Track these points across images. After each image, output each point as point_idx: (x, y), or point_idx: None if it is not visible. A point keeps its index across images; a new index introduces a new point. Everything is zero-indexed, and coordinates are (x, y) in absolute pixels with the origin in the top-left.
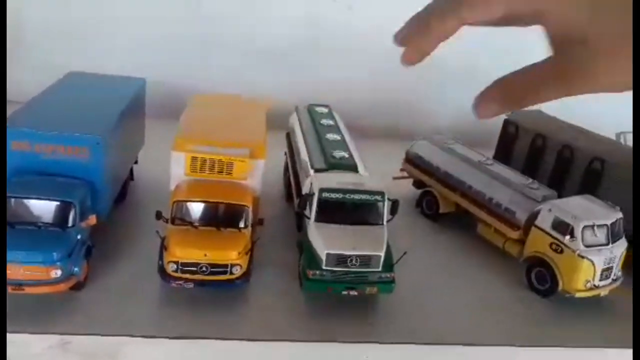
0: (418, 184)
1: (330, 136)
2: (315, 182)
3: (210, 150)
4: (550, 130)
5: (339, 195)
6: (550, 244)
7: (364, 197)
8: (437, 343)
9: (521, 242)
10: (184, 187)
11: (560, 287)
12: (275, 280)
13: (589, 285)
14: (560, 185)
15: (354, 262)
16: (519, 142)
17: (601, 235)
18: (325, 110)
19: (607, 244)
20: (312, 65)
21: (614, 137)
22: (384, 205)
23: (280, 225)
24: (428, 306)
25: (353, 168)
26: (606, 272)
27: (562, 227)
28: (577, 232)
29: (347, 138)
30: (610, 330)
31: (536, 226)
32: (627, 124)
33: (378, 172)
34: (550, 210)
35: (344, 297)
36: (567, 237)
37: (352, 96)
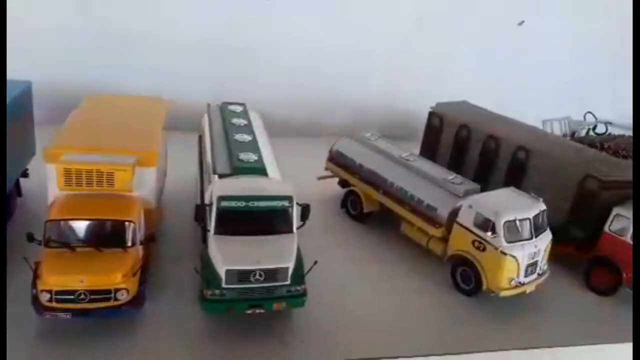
0: (343, 183)
1: (240, 137)
2: (214, 189)
3: (86, 159)
4: (475, 121)
5: (241, 204)
6: (473, 242)
7: (269, 203)
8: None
9: (445, 240)
10: (58, 204)
11: (484, 287)
12: (177, 303)
13: (513, 282)
14: (486, 176)
15: (257, 277)
16: (445, 134)
17: (524, 230)
18: (239, 108)
19: (531, 238)
20: (234, 65)
21: (540, 126)
22: (292, 211)
23: (189, 240)
24: (346, 318)
25: (261, 172)
26: (531, 267)
27: (484, 223)
28: (499, 228)
29: (261, 139)
30: (537, 330)
31: (458, 223)
32: (553, 112)
33: (304, 173)
34: (471, 206)
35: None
36: (489, 233)
37: (279, 94)
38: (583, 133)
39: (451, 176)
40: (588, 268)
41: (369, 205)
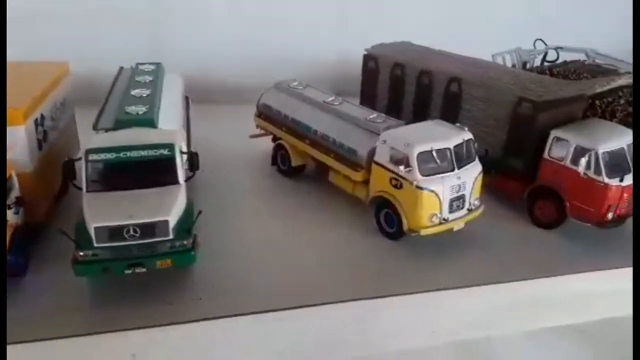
0: (274, 138)
1: (137, 92)
2: (85, 143)
3: None
4: (409, 58)
5: (111, 155)
6: (390, 180)
7: (144, 152)
8: (267, 310)
9: (367, 183)
10: None
11: (405, 226)
12: (62, 272)
13: (435, 219)
14: (425, 113)
15: (132, 233)
16: (381, 76)
17: (443, 161)
18: (151, 67)
19: (453, 170)
20: (174, 29)
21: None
22: (176, 160)
23: None
24: (262, 272)
25: (149, 123)
26: (457, 202)
27: (398, 157)
28: (412, 161)
29: (168, 95)
30: (474, 267)
31: (375, 162)
32: (503, 45)
33: (242, 135)
34: (385, 141)
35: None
36: (402, 167)
37: (222, 60)
38: (537, 62)
39: (372, 115)
40: (530, 200)
41: (297, 158)
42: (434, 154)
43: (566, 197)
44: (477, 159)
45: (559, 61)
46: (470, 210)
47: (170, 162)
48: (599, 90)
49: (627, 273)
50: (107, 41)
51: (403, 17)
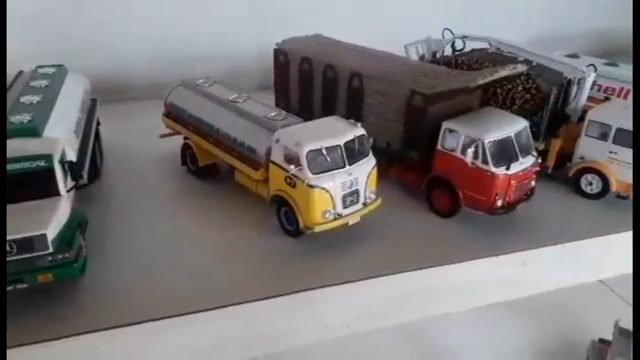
0: (185, 137)
1: (27, 99)
2: None
3: None
4: (316, 53)
5: None
6: (285, 179)
7: (21, 165)
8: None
9: (268, 181)
10: None
11: (301, 224)
12: None
13: (328, 215)
14: (332, 109)
15: (9, 249)
16: (291, 70)
17: (334, 158)
18: (51, 71)
19: (344, 166)
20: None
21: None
22: (53, 171)
23: None
24: (155, 278)
25: (31, 132)
26: (350, 197)
27: (290, 156)
28: (302, 159)
29: (64, 100)
30: (367, 259)
31: (272, 161)
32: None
33: (153, 134)
34: (278, 140)
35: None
36: (292, 166)
37: (134, 57)
38: (447, 52)
39: (273, 112)
40: (427, 190)
41: (204, 158)
42: (324, 151)
43: (458, 186)
44: (370, 154)
45: (468, 50)
46: (365, 204)
47: (48, 173)
48: (480, 82)
49: (519, 257)
50: (14, 43)
51: (323, 9)
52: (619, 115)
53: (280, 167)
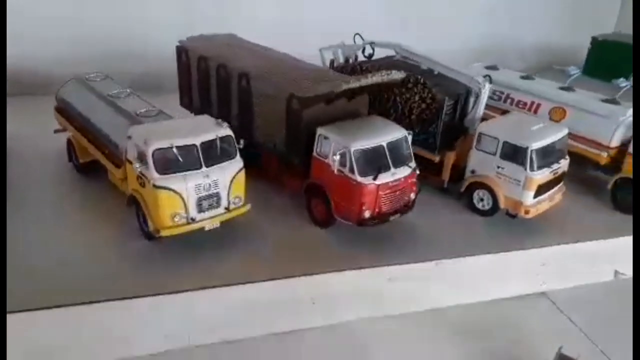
0: None
1: None
2: None
3: None
4: (212, 52)
5: None
6: (137, 177)
7: None
8: None
9: None
10: None
11: (150, 226)
12: None
13: (178, 219)
14: (228, 108)
15: None
16: (192, 68)
17: (188, 158)
18: None
19: (199, 167)
20: None
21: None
22: None
23: None
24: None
25: None
26: (208, 200)
27: (140, 154)
28: (148, 158)
29: None
30: (222, 268)
31: (127, 160)
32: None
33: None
34: (130, 137)
35: None
36: (138, 165)
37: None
38: (359, 57)
39: (144, 109)
40: (307, 197)
41: (83, 154)
42: (175, 150)
43: (330, 194)
44: (237, 156)
45: (383, 57)
46: (229, 209)
47: None
48: (344, 87)
49: (386, 272)
50: None
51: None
52: (508, 128)
53: (132, 164)
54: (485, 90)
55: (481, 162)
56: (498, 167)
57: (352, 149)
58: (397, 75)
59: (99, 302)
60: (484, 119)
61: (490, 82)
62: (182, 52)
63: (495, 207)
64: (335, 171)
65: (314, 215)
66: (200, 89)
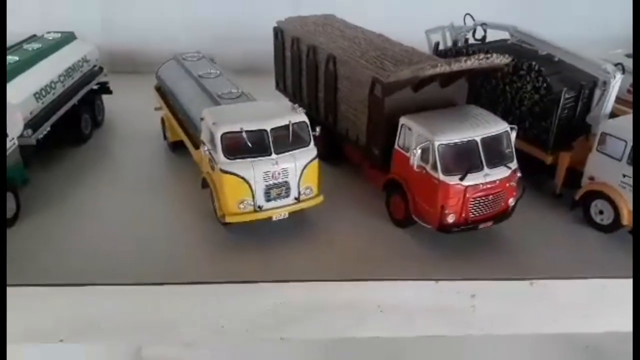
0: None
1: (8, 58)
2: None
3: None
4: (304, 33)
5: None
6: (209, 160)
7: None
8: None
9: None
10: None
11: (218, 212)
12: None
13: (244, 206)
14: (316, 92)
15: None
16: (285, 50)
17: (258, 144)
18: (57, 36)
19: (269, 154)
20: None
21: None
22: None
23: None
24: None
25: None
26: (276, 189)
27: (210, 137)
28: (217, 141)
29: (49, 64)
30: (287, 263)
31: (201, 140)
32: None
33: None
34: (203, 119)
35: None
36: (207, 148)
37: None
38: (464, 40)
39: (229, 90)
40: (386, 193)
41: (173, 133)
42: (245, 135)
43: (409, 192)
44: (311, 144)
45: (494, 39)
46: (299, 200)
47: None
48: (431, 72)
49: (468, 287)
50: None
51: None
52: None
53: (205, 146)
54: (616, 81)
55: (603, 168)
56: (624, 175)
57: (437, 143)
58: (500, 59)
59: (159, 284)
60: (613, 115)
61: (624, 71)
62: (277, 33)
63: (616, 222)
64: (415, 167)
65: (392, 213)
66: (293, 73)
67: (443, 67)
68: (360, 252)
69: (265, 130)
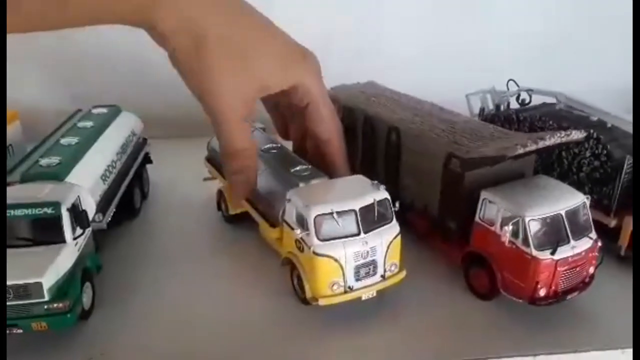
0: None
1: (66, 140)
2: None
3: None
4: (358, 102)
5: None
6: (296, 241)
7: (30, 211)
8: None
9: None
10: None
11: (308, 294)
12: None
13: (337, 288)
14: (373, 163)
15: (8, 294)
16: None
17: (347, 224)
18: (104, 110)
19: (358, 234)
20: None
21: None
22: (62, 218)
23: None
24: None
25: (53, 177)
26: (365, 268)
27: (300, 219)
28: (310, 224)
29: (103, 141)
30: (374, 346)
31: (285, 221)
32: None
33: (199, 175)
34: (289, 200)
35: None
36: (300, 230)
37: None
38: (513, 104)
39: (298, 167)
40: (465, 266)
41: (234, 207)
42: (336, 216)
43: (497, 267)
44: (394, 220)
45: (533, 104)
46: (385, 277)
47: (55, 220)
48: (520, 151)
49: None
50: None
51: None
52: None
53: (291, 227)
54: None
55: None
56: None
57: (527, 219)
58: (578, 135)
59: None
60: None
61: None
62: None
63: None
64: (507, 242)
65: (473, 286)
66: (347, 141)
67: (531, 147)
68: (439, 328)
69: (355, 210)
